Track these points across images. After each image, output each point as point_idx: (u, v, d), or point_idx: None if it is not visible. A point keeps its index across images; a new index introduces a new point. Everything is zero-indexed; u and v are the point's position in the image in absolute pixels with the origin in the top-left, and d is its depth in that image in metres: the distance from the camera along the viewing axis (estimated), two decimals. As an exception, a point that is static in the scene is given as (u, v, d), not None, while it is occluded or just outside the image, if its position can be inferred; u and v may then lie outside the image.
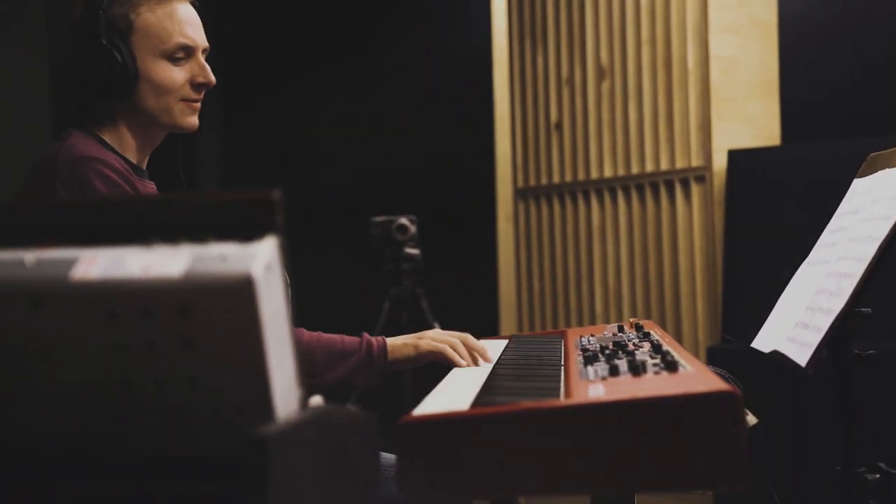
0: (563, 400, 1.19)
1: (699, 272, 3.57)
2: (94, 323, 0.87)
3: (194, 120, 1.88)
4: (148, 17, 1.80)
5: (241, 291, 0.86)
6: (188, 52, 1.84)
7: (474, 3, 4.50)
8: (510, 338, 2.24)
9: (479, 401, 1.25)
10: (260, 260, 0.88)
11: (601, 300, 3.95)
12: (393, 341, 1.90)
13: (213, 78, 1.87)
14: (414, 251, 3.60)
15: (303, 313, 3.38)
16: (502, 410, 1.16)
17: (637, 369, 1.32)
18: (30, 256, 0.88)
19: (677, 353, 1.55)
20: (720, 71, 3.54)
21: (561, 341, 2.06)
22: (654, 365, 1.39)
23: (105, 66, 1.77)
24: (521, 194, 4.31)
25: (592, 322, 3.98)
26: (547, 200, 4.20)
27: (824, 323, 1.51)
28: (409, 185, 4.52)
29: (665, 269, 3.69)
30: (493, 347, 2.08)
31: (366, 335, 1.89)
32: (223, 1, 4.91)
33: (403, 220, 3.60)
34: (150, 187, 1.88)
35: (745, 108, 3.58)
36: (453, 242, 4.42)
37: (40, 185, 1.71)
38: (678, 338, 3.62)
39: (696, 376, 1.26)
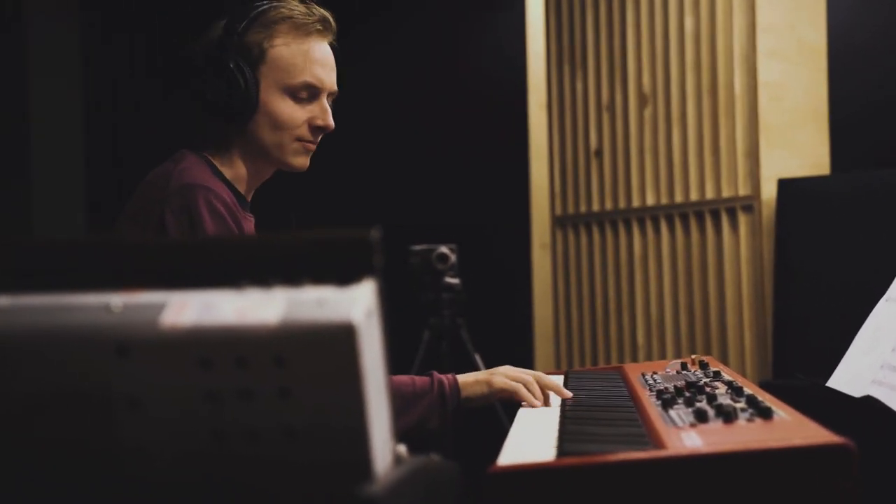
0: (660, 451, 1.12)
1: (746, 304, 3.49)
2: (186, 371, 0.81)
3: (305, 161, 1.85)
4: (282, 49, 1.78)
5: (341, 340, 0.80)
6: (313, 92, 1.81)
7: (510, 28, 4.45)
8: (566, 374, 2.17)
9: (565, 449, 1.19)
10: (360, 305, 0.82)
11: (643, 331, 3.87)
12: (464, 378, 1.83)
13: (332, 123, 1.84)
14: (454, 280, 3.53)
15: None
16: (595, 462, 1.09)
17: (728, 416, 1.25)
18: (116, 300, 0.82)
19: (760, 396, 1.48)
20: (768, 97, 3.46)
21: (621, 379, 1.99)
22: (744, 410, 1.32)
23: (228, 89, 1.74)
24: (559, 222, 4.24)
25: (633, 354, 3.90)
26: (586, 228, 4.13)
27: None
28: (447, 213, 4.46)
29: (711, 300, 3.61)
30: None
31: (436, 374, 1.83)
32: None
33: (444, 249, 3.54)
34: (249, 222, 1.85)
35: (793, 136, 3.50)
36: (491, 271, 4.35)
37: (149, 207, 1.68)
38: (725, 370, 3.53)
39: (796, 425, 1.19)
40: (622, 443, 1.23)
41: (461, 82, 4.63)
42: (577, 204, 4.17)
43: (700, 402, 1.46)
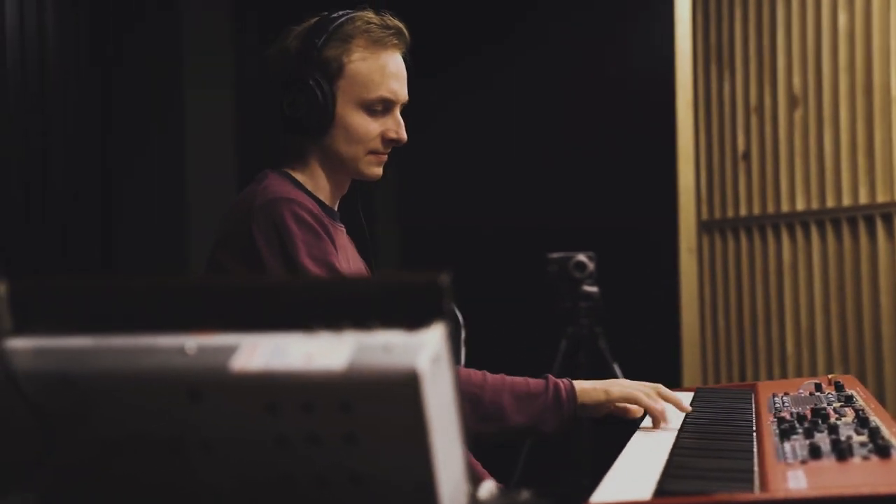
0: (758, 494, 1.07)
1: (902, 314, 3.33)
2: (255, 416, 0.82)
3: (378, 171, 1.87)
4: (359, 65, 1.80)
5: (406, 387, 0.80)
6: (387, 105, 1.83)
7: (658, 26, 4.36)
8: (695, 391, 2.11)
9: (663, 488, 1.15)
10: (426, 352, 0.82)
11: (792, 341, 3.73)
12: (581, 384, 1.77)
13: (404, 135, 1.85)
14: (592, 289, 3.49)
15: (478, 353, 3.32)
16: (688, 503, 1.06)
17: (843, 453, 1.19)
18: (191, 343, 0.84)
19: (887, 427, 1.41)
20: (926, 98, 3.29)
21: (752, 398, 1.92)
22: (862, 445, 1.25)
23: (307, 105, 1.77)
24: (705, 227, 4.13)
25: (782, 364, 3.77)
26: (733, 234, 4.01)
27: None
28: (587, 219, 4.40)
29: (864, 310, 3.45)
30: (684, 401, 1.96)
31: (551, 377, 1.78)
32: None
33: (581, 257, 3.50)
34: (340, 230, 1.88)
35: (954, 138, 3.31)
36: (633, 277, 4.27)
37: (236, 227, 1.72)
38: (880, 388, 3.38)
39: (912, 467, 1.13)
40: (726, 479, 1.19)
41: (609, 82, 4.56)
42: (724, 208, 4.05)
43: (820, 432, 1.39)
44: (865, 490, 1.02)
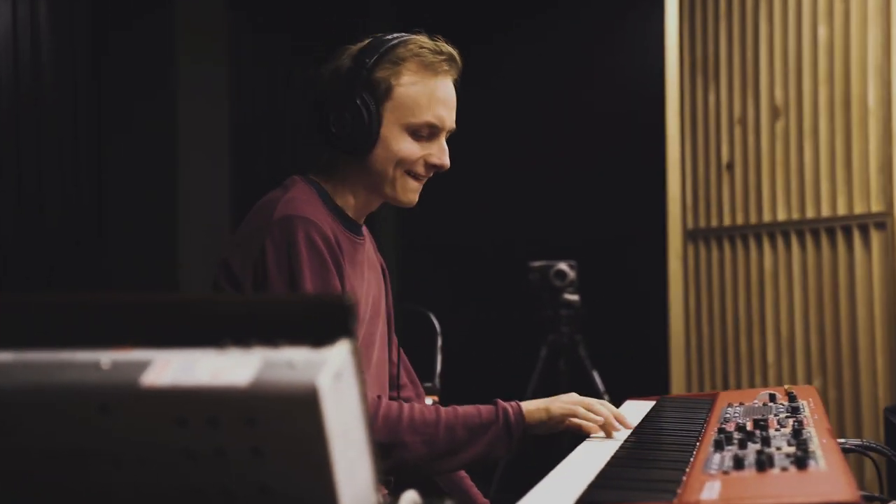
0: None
1: (879, 325, 3.36)
2: (164, 430, 0.86)
3: (415, 197, 1.88)
4: (408, 88, 1.81)
5: (306, 402, 0.84)
6: (433, 131, 1.84)
7: (647, 38, 4.40)
8: (658, 400, 2.15)
9: (585, 498, 1.19)
10: (328, 369, 0.86)
11: (773, 350, 3.77)
12: (527, 406, 1.80)
13: (447, 162, 1.87)
14: (573, 297, 3.53)
15: (461, 360, 3.36)
16: (604, 513, 1.10)
17: (763, 464, 1.23)
18: (106, 359, 0.89)
19: (819, 438, 1.45)
20: (903, 111, 3.32)
21: (709, 409, 1.96)
22: (786, 457, 1.29)
23: (352, 123, 1.78)
24: (690, 235, 4.17)
25: (764, 372, 3.80)
26: (717, 242, 4.05)
27: None
28: (570, 229, 4.44)
29: (842, 319, 3.48)
30: (639, 410, 2.00)
31: (500, 403, 1.81)
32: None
33: (562, 266, 3.54)
34: (360, 245, 1.88)
35: (931, 150, 3.35)
36: (619, 285, 4.31)
37: (253, 234, 1.74)
38: (856, 395, 3.41)
39: (823, 477, 1.16)
40: (648, 490, 1.23)
41: (598, 93, 4.60)
42: (708, 217, 4.09)
43: (754, 443, 1.43)
44: (767, 501, 1.06)
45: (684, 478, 1.31)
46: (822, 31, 3.58)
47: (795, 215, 3.69)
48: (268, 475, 0.87)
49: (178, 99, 3.95)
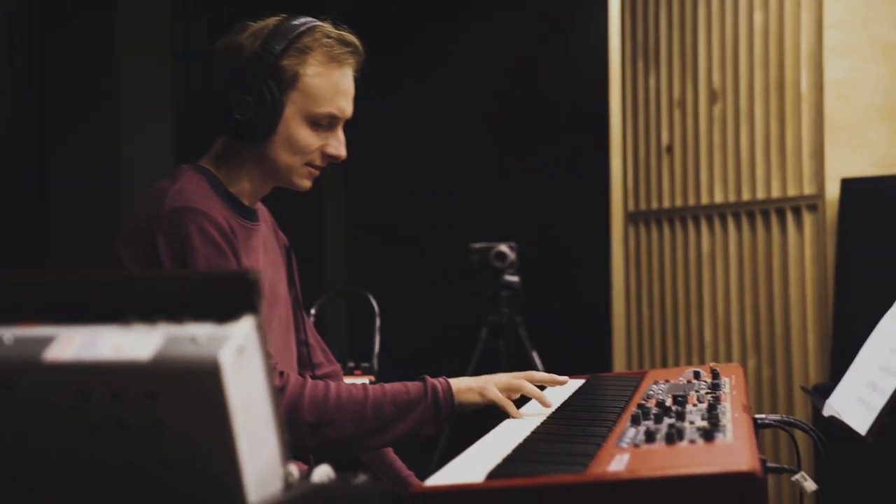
0: (574, 476, 1.15)
1: (810, 305, 3.43)
2: (67, 405, 0.88)
3: (308, 184, 1.89)
4: (314, 80, 1.81)
5: (208, 376, 0.86)
6: (332, 122, 1.85)
7: (590, 23, 4.44)
8: (588, 378, 2.19)
9: (497, 471, 1.22)
10: (231, 343, 0.88)
11: (710, 330, 3.83)
12: (458, 384, 1.82)
13: (344, 153, 1.88)
14: (513, 278, 3.56)
15: (402, 341, 3.37)
16: (513, 485, 1.12)
17: (672, 437, 1.27)
18: (8, 335, 0.89)
19: (732, 413, 1.49)
20: (835, 95, 3.38)
21: (636, 386, 2.00)
22: (696, 430, 1.33)
23: (255, 108, 1.78)
24: (631, 218, 4.22)
25: (701, 352, 3.87)
26: (657, 225, 4.10)
27: (890, 386, 1.41)
28: (511, 210, 4.48)
29: (775, 299, 3.55)
30: (568, 388, 2.03)
31: (429, 380, 1.83)
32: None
33: (502, 248, 3.57)
34: (255, 230, 1.89)
35: (862, 135, 3.41)
36: (557, 267, 4.36)
37: (141, 228, 1.74)
38: (788, 373, 3.48)
39: (727, 449, 1.20)
40: (560, 463, 1.26)
41: (541, 77, 4.64)
42: (648, 200, 4.14)
43: (670, 417, 1.47)
44: (668, 472, 1.10)
45: (598, 451, 1.35)
46: (758, 17, 3.63)
47: (732, 198, 3.75)
48: (171, 449, 0.89)
49: (120, 66, 3.93)
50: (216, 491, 0.89)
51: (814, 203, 3.42)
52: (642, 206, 4.17)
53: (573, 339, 4.24)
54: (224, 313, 0.91)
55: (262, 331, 0.93)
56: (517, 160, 4.58)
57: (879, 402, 1.41)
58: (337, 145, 1.87)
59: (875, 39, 3.44)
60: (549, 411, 1.79)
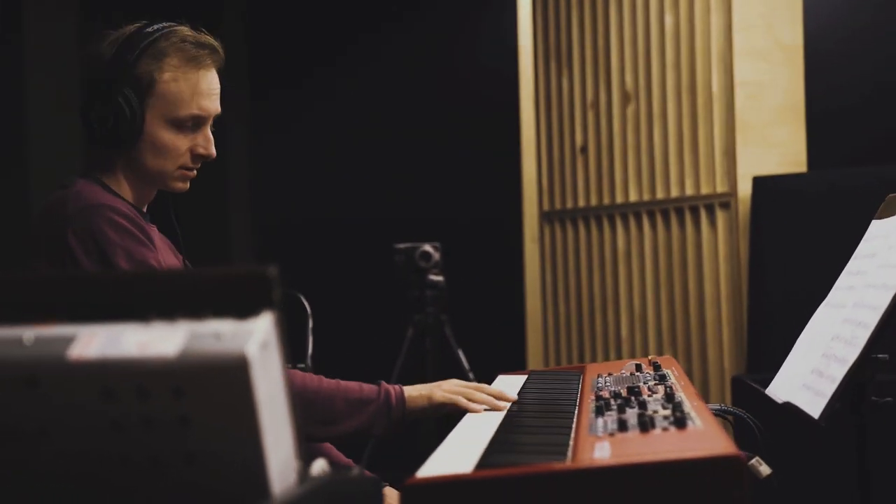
0: (566, 463, 1.18)
1: (724, 299, 3.55)
2: (91, 401, 0.88)
3: (185, 186, 1.90)
4: (171, 84, 1.81)
5: (235, 371, 0.87)
6: (197, 122, 1.86)
7: (500, 24, 4.50)
8: (529, 374, 2.23)
9: (484, 461, 1.25)
10: (255, 338, 0.89)
11: (626, 325, 3.93)
12: (410, 391, 1.88)
13: (213, 151, 1.87)
14: (438, 278, 3.60)
15: (329, 342, 3.37)
16: (505, 474, 1.15)
17: (645, 425, 1.32)
18: (28, 334, 0.89)
19: (690, 402, 1.55)
20: (745, 96, 3.51)
21: (579, 380, 2.05)
22: (665, 418, 1.38)
23: (113, 116, 1.78)
24: (546, 217, 4.30)
25: (618, 347, 3.97)
26: (572, 224, 4.19)
27: (839, 373, 1.49)
28: (433, 211, 4.52)
29: (690, 295, 3.67)
30: (513, 384, 2.07)
31: (384, 384, 1.89)
32: (254, 27, 4.95)
33: (427, 248, 3.60)
34: (154, 230, 1.90)
35: (770, 134, 3.55)
36: (479, 266, 4.41)
37: (50, 234, 1.73)
38: (704, 366, 3.60)
39: (703, 435, 1.25)
40: (542, 453, 1.30)
41: (451, 79, 4.68)
42: (563, 199, 4.23)
43: (632, 408, 1.52)
44: (654, 457, 1.14)
45: (571, 441, 1.39)
46: (669, 20, 3.74)
47: (646, 196, 3.85)
48: (196, 444, 0.89)
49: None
50: (241, 485, 0.90)
51: (727, 201, 3.54)
52: (557, 205, 4.25)
53: (494, 337, 4.30)
54: (244, 309, 0.92)
55: (281, 326, 0.94)
56: (437, 159, 4.62)
57: (829, 388, 1.48)
58: (206, 144, 1.87)
59: (779, 42, 3.58)
60: (505, 406, 1.82)
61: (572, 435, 1.43)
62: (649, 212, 3.84)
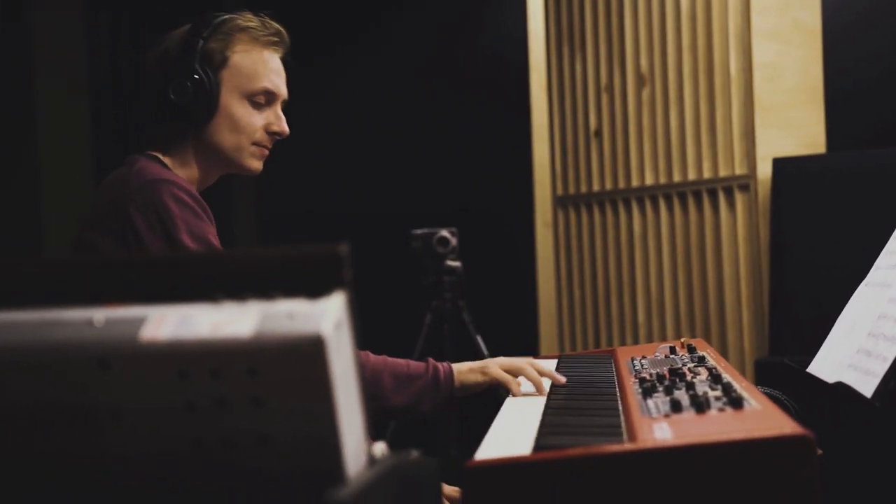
0: (628, 444, 1.16)
1: (744, 282, 3.53)
2: (164, 383, 0.86)
3: (259, 165, 1.92)
4: (242, 57, 1.86)
5: (311, 351, 0.85)
6: (270, 98, 1.89)
7: (510, 9, 4.47)
8: (559, 358, 2.21)
9: (541, 443, 1.23)
10: (329, 318, 0.87)
11: (643, 310, 3.91)
12: (459, 367, 1.88)
13: (286, 129, 1.91)
14: (455, 263, 3.58)
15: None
16: (567, 455, 1.13)
17: (701, 406, 1.30)
18: (98, 316, 0.87)
19: (737, 383, 1.53)
20: (763, 77, 3.49)
21: (612, 363, 2.03)
22: (717, 399, 1.36)
23: (192, 90, 1.80)
24: (560, 202, 4.28)
25: (634, 331, 3.95)
26: (587, 208, 4.16)
27: (890, 352, 1.47)
28: (448, 197, 4.50)
29: (709, 278, 3.65)
30: (549, 368, 2.05)
31: (431, 360, 1.89)
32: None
33: (444, 233, 3.58)
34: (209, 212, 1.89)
35: (788, 116, 3.53)
36: (494, 252, 4.39)
37: (112, 209, 1.72)
38: (724, 349, 3.58)
39: (762, 415, 1.23)
40: (597, 434, 1.28)
41: (464, 64, 4.65)
42: (577, 184, 4.20)
43: (679, 389, 1.50)
44: (721, 437, 1.12)
45: (622, 422, 1.37)
46: (685, 1, 3.71)
47: (663, 179, 3.83)
48: (269, 425, 0.87)
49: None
50: (315, 467, 0.88)
51: (746, 183, 3.52)
52: (571, 189, 4.23)
53: (507, 322, 4.29)
54: (316, 289, 0.90)
55: (353, 306, 0.92)
56: (452, 147, 4.60)
57: (881, 367, 1.47)
58: (279, 122, 1.90)
59: (797, 23, 3.55)
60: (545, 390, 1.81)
61: (623, 416, 1.41)
62: (666, 195, 3.82)
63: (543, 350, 4.28)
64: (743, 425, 1.18)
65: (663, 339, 3.80)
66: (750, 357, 3.46)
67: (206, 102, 1.81)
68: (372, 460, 0.97)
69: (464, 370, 1.86)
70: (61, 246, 3.81)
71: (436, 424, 3.47)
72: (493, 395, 1.94)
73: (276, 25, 1.91)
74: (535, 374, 1.84)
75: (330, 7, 4.89)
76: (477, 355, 3.55)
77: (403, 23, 4.79)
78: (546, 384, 1.87)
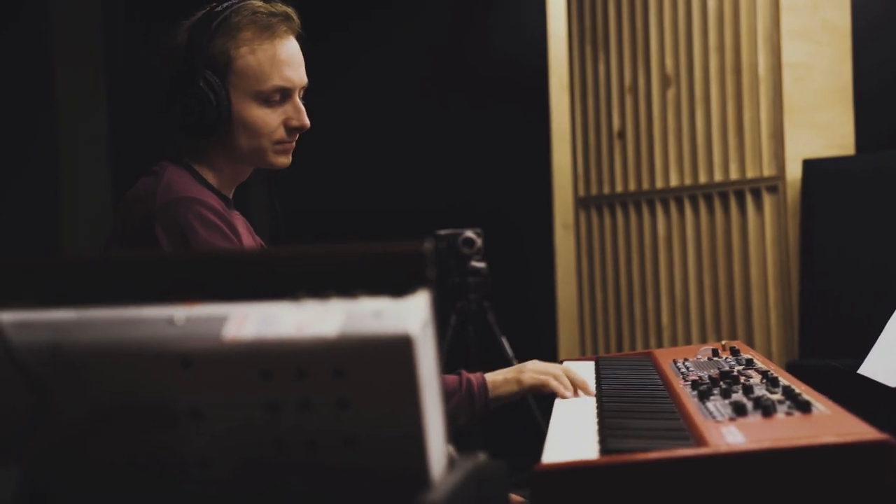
0: (703, 449, 1.13)
1: (772, 284, 3.50)
2: (247, 383, 0.83)
3: (287, 160, 1.84)
4: (248, 58, 1.76)
5: (399, 351, 0.82)
6: (284, 94, 1.80)
7: (530, 10, 4.45)
8: (596, 360, 2.18)
9: (609, 446, 1.20)
10: (416, 316, 0.84)
11: (667, 312, 3.88)
12: (493, 378, 1.85)
13: (307, 121, 1.82)
14: (480, 264, 3.55)
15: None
16: (639, 460, 1.11)
17: (767, 410, 1.27)
18: (179, 314, 0.84)
19: (796, 386, 1.50)
20: (792, 78, 3.46)
21: (652, 366, 2.00)
22: (781, 403, 1.33)
23: (199, 106, 1.73)
24: (582, 203, 4.25)
25: (658, 336, 3.91)
26: (609, 210, 4.13)
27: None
28: (472, 197, 4.47)
29: (735, 281, 3.61)
30: (581, 370, 2.02)
31: (464, 373, 1.85)
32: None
33: (470, 234, 3.56)
34: (238, 219, 1.85)
35: (817, 116, 3.50)
36: (516, 254, 4.37)
37: (135, 226, 1.69)
38: (751, 351, 3.55)
39: (835, 420, 1.21)
40: (664, 438, 1.25)
41: (483, 66, 4.63)
42: (600, 185, 4.17)
43: (736, 393, 1.47)
44: (803, 442, 1.09)
45: (685, 425, 1.34)
46: (712, 1, 3.69)
47: (688, 181, 3.80)
48: (354, 427, 0.85)
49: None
50: (400, 468, 0.86)
51: (774, 184, 3.49)
52: (593, 191, 4.20)
53: (527, 324, 4.26)
54: (399, 287, 0.87)
55: (436, 306, 0.89)
56: (474, 148, 4.57)
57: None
58: (298, 115, 1.81)
59: (826, 23, 3.52)
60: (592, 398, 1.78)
61: (684, 421, 1.38)
62: (691, 196, 3.79)
63: (562, 353, 4.26)
64: (818, 430, 1.15)
65: (688, 342, 3.77)
66: (777, 360, 3.43)
67: (217, 117, 1.74)
68: (451, 461, 0.94)
69: (498, 381, 1.83)
70: (77, 245, 3.79)
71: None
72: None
73: (284, 8, 1.80)
74: (566, 381, 1.81)
75: (350, 11, 4.87)
76: (502, 356, 3.52)
77: (425, 19, 4.77)
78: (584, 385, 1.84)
